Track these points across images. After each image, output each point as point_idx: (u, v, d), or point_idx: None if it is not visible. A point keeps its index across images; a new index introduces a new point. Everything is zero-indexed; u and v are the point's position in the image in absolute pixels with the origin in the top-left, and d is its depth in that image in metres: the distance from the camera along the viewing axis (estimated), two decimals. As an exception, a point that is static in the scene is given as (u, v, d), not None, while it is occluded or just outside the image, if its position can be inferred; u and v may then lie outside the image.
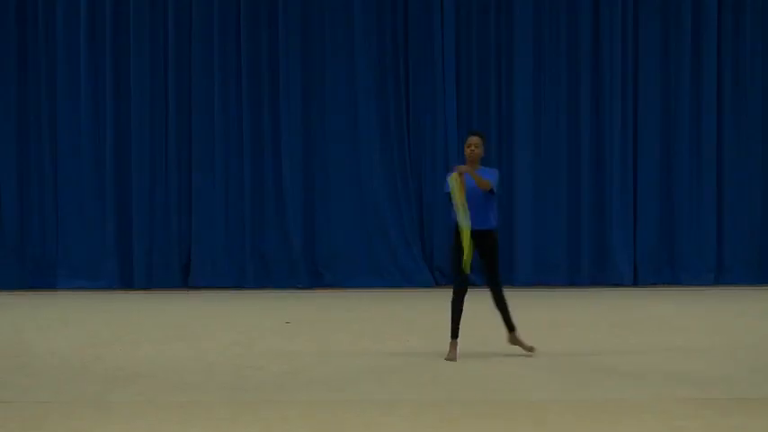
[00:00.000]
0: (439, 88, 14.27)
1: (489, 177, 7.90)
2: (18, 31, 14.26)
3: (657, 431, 5.35)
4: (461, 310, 7.96)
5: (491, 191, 7.87)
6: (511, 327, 8.10)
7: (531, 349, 7.96)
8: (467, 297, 7.94)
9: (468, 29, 14.45)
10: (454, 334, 7.91)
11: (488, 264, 8.04)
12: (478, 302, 12.50)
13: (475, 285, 14.04)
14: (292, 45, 14.17)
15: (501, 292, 8.10)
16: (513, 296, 13.00)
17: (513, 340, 8.08)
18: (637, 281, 14.30)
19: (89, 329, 9.79)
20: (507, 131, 14.40)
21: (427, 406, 6.01)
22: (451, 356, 7.80)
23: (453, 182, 7.80)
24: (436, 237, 14.28)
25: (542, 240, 14.30)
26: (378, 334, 9.36)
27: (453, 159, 14.28)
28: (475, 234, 7.80)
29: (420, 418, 5.66)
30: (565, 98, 14.38)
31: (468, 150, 7.99)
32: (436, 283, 14.20)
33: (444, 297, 12.93)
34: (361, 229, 14.20)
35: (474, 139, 7.99)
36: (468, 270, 7.84)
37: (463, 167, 7.86)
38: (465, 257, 7.76)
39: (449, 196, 7.89)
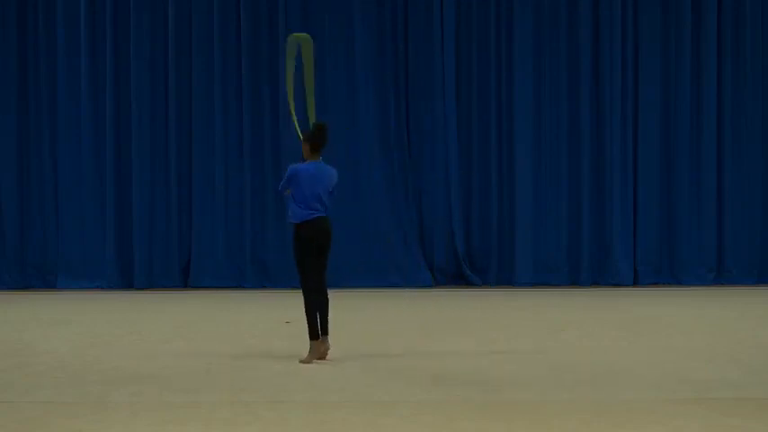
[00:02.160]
0: (439, 88, 14.27)
1: None
2: (18, 33, 14.26)
3: (657, 431, 5.35)
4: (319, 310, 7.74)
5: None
6: None
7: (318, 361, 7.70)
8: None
9: (468, 29, 14.44)
10: (314, 335, 7.67)
11: None
12: (478, 303, 12.51)
13: (474, 285, 14.17)
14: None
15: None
16: (513, 296, 13.12)
17: None
18: (637, 281, 14.30)
19: (89, 329, 9.78)
20: (507, 131, 14.40)
21: (427, 406, 6.01)
22: (309, 359, 7.61)
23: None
24: (436, 237, 14.29)
25: (542, 240, 14.30)
26: (377, 334, 9.36)
27: (453, 159, 14.31)
28: None
29: (420, 418, 5.65)
30: (565, 98, 14.38)
31: None
32: (436, 283, 14.20)
33: (444, 297, 13.00)
34: (361, 229, 14.18)
35: None
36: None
37: None
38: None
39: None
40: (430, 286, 14.07)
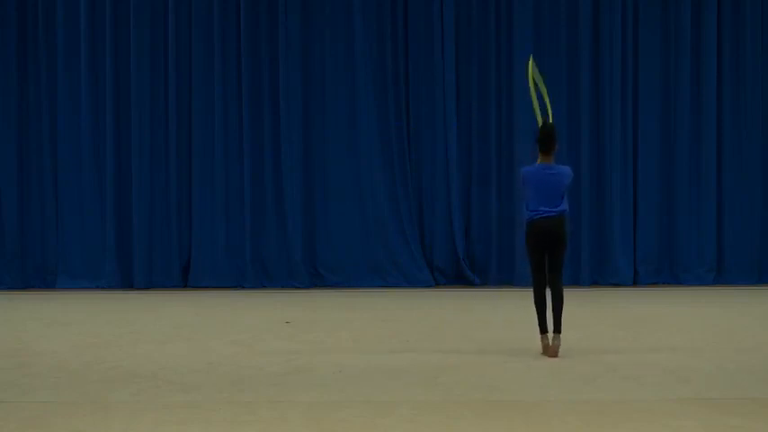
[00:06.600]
0: (439, 88, 14.26)
1: None
2: (18, 33, 14.25)
3: (657, 431, 5.35)
4: (544, 303, 7.96)
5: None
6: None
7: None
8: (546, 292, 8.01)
9: (468, 29, 14.44)
10: (540, 329, 7.96)
11: None
12: (478, 302, 12.51)
13: (474, 285, 14.17)
14: (292, 47, 14.15)
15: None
16: (513, 296, 13.11)
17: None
18: (637, 281, 14.30)
19: (89, 329, 9.79)
20: (507, 132, 14.39)
21: (427, 406, 6.01)
22: (547, 351, 7.86)
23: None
24: (436, 237, 14.29)
25: (542, 240, 14.28)
26: (377, 334, 9.36)
27: (453, 160, 14.30)
28: None
29: (420, 418, 5.66)
30: (565, 98, 14.35)
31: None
32: (436, 283, 14.20)
33: (444, 297, 13.00)
34: (361, 229, 14.19)
35: None
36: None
37: None
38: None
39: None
40: (430, 286, 14.07)
